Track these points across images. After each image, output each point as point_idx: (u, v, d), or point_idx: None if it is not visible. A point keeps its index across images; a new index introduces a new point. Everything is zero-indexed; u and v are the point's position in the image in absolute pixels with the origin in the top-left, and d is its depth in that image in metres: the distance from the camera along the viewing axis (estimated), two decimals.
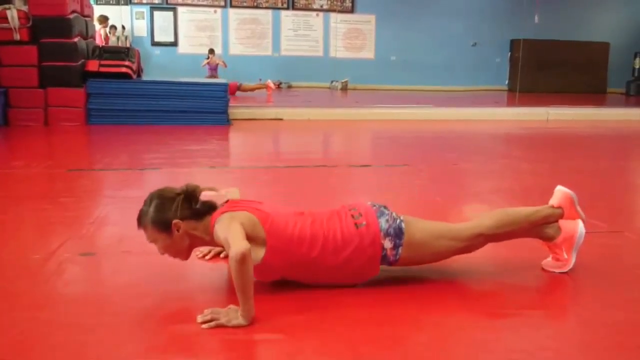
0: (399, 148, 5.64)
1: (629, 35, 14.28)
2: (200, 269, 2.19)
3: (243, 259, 1.67)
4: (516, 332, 1.75)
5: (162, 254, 1.97)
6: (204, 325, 1.68)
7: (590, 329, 1.79)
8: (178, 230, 1.89)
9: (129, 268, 2.19)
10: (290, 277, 1.99)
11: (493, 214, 2.13)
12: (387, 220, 1.96)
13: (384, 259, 1.96)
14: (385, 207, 2.03)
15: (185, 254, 1.99)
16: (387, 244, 1.94)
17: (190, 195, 1.93)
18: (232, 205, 1.95)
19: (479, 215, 2.15)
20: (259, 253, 1.86)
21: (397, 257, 1.96)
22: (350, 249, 1.91)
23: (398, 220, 1.97)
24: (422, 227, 2.00)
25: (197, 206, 1.93)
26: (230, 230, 1.79)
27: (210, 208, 1.95)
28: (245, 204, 1.97)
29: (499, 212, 2.15)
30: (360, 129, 7.07)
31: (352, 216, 1.97)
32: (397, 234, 1.95)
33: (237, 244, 1.70)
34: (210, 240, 1.93)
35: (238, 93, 10.26)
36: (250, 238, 1.82)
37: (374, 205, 2.03)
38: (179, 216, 1.88)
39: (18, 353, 1.56)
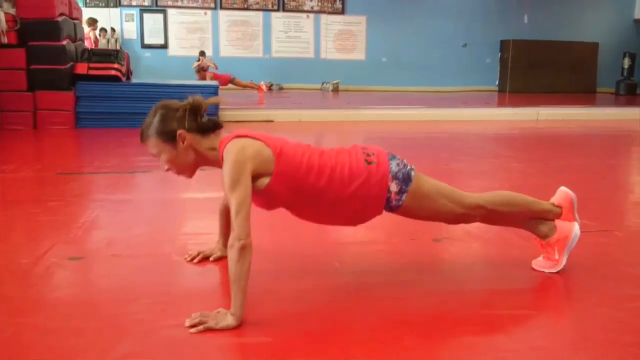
0: (390, 149, 5.57)
1: (618, 35, 14.40)
2: (189, 273, 2.18)
3: (243, 249, 1.65)
4: (507, 332, 1.75)
5: (166, 170, 1.93)
6: (192, 330, 1.66)
7: (581, 327, 1.79)
8: (183, 142, 1.86)
9: (117, 272, 2.17)
10: (292, 207, 1.96)
11: (497, 192, 2.16)
12: (397, 164, 1.96)
13: (387, 203, 1.95)
14: (396, 155, 2.03)
15: (190, 170, 1.95)
16: (394, 187, 1.93)
17: (196, 107, 1.89)
18: (242, 132, 1.89)
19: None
20: (265, 180, 1.83)
21: (400, 202, 1.95)
22: (356, 183, 1.89)
23: (408, 167, 1.98)
24: (429, 182, 2.02)
25: (203, 120, 1.90)
26: (237, 194, 1.71)
27: (215, 124, 1.92)
28: (254, 132, 1.91)
29: (503, 191, 2.18)
30: (352, 130, 7.08)
31: (364, 153, 1.96)
32: (405, 179, 1.95)
33: (241, 232, 1.67)
34: (214, 160, 1.90)
35: (230, 87, 10.23)
36: (258, 174, 1.80)
37: (387, 150, 2.03)
38: (184, 127, 1.85)
39: (5, 358, 1.54)
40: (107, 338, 1.64)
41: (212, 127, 1.92)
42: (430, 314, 1.85)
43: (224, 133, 1.94)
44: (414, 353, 1.61)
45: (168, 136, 1.86)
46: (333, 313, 1.83)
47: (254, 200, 1.85)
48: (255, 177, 1.80)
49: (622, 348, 1.64)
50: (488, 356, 1.60)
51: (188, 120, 1.86)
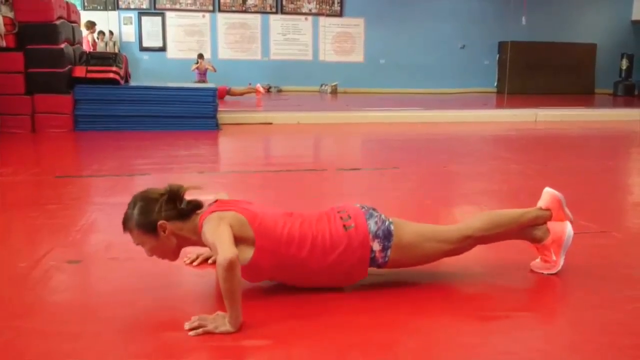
0: (389, 151, 5.65)
1: (616, 37, 14.41)
2: (188, 276, 2.18)
3: (231, 266, 1.65)
4: (505, 334, 1.75)
5: (150, 256, 1.94)
6: (191, 333, 1.66)
7: (579, 329, 1.79)
8: (164, 232, 1.87)
9: (115, 275, 2.17)
10: (278, 278, 1.98)
11: (481, 216, 2.14)
12: (375, 223, 1.96)
13: (373, 261, 1.96)
14: (374, 209, 2.02)
15: (173, 255, 1.96)
16: (376, 246, 1.94)
17: (174, 195, 1.90)
18: (220, 205, 1.93)
19: (467, 218, 2.15)
20: (247, 253, 1.85)
21: (386, 259, 1.95)
22: (339, 250, 1.90)
23: (387, 222, 1.97)
24: (410, 230, 2.00)
25: (182, 206, 1.91)
26: (218, 234, 1.76)
27: (195, 207, 1.93)
28: (233, 204, 1.95)
29: (487, 214, 2.16)
30: (350, 133, 7.08)
31: (341, 218, 1.96)
32: (386, 236, 1.94)
33: (225, 251, 1.68)
34: (198, 240, 1.91)
35: (227, 97, 10.25)
36: (238, 239, 1.81)
37: (363, 207, 2.02)
38: (164, 217, 1.86)
39: None
40: (105, 342, 1.64)
41: (192, 209, 1.93)
42: (428, 316, 1.85)
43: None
44: (412, 355, 1.61)
45: (149, 228, 1.86)
46: (331, 315, 1.83)
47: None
48: (235, 242, 1.78)
49: (620, 350, 1.64)
50: (486, 358, 1.61)
51: (167, 209, 1.87)
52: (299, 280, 1.97)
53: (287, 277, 1.97)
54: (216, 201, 1.97)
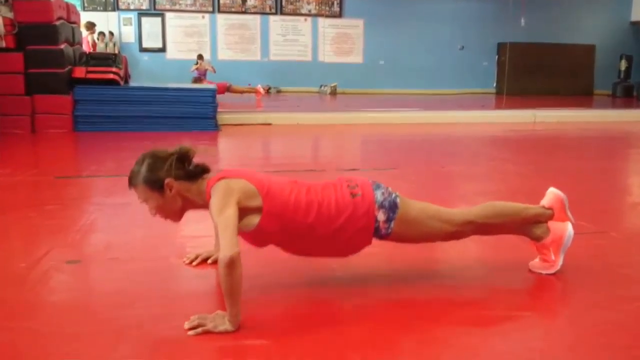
0: (388, 151, 5.66)
1: (615, 38, 14.42)
2: (187, 276, 2.19)
3: (231, 263, 1.65)
4: (504, 334, 1.76)
5: (154, 215, 1.95)
6: (190, 332, 1.67)
7: (578, 329, 1.80)
8: (170, 190, 1.87)
9: (115, 275, 2.17)
10: (283, 244, 1.98)
11: (486, 204, 2.16)
12: (382, 193, 1.98)
13: (376, 232, 1.97)
14: (380, 183, 2.04)
15: (177, 216, 1.97)
16: (381, 216, 1.95)
17: (183, 155, 1.90)
18: (228, 172, 1.93)
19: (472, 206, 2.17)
20: (254, 220, 1.85)
21: (389, 230, 1.97)
22: (344, 217, 1.91)
23: (393, 195, 1.99)
24: (416, 206, 2.03)
25: (190, 167, 1.92)
26: (223, 220, 1.74)
27: (203, 170, 1.94)
28: (241, 171, 1.95)
29: (491, 203, 2.18)
30: (349, 133, 7.08)
31: (349, 186, 1.98)
32: (392, 207, 1.96)
33: (227, 247, 1.67)
34: (202, 204, 1.91)
35: (227, 95, 10.25)
36: (246, 208, 1.82)
37: (370, 180, 2.04)
38: (171, 175, 1.86)
39: None
40: (104, 342, 1.65)
41: (200, 172, 1.93)
42: (427, 316, 1.85)
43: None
44: (411, 355, 1.62)
45: (156, 185, 1.87)
46: (330, 316, 1.84)
47: (245, 239, 1.88)
48: (242, 213, 1.80)
49: (617, 350, 1.65)
50: (485, 358, 1.61)
51: (176, 168, 1.88)
52: (304, 247, 1.99)
53: (293, 243, 1.97)
54: (224, 169, 1.96)
